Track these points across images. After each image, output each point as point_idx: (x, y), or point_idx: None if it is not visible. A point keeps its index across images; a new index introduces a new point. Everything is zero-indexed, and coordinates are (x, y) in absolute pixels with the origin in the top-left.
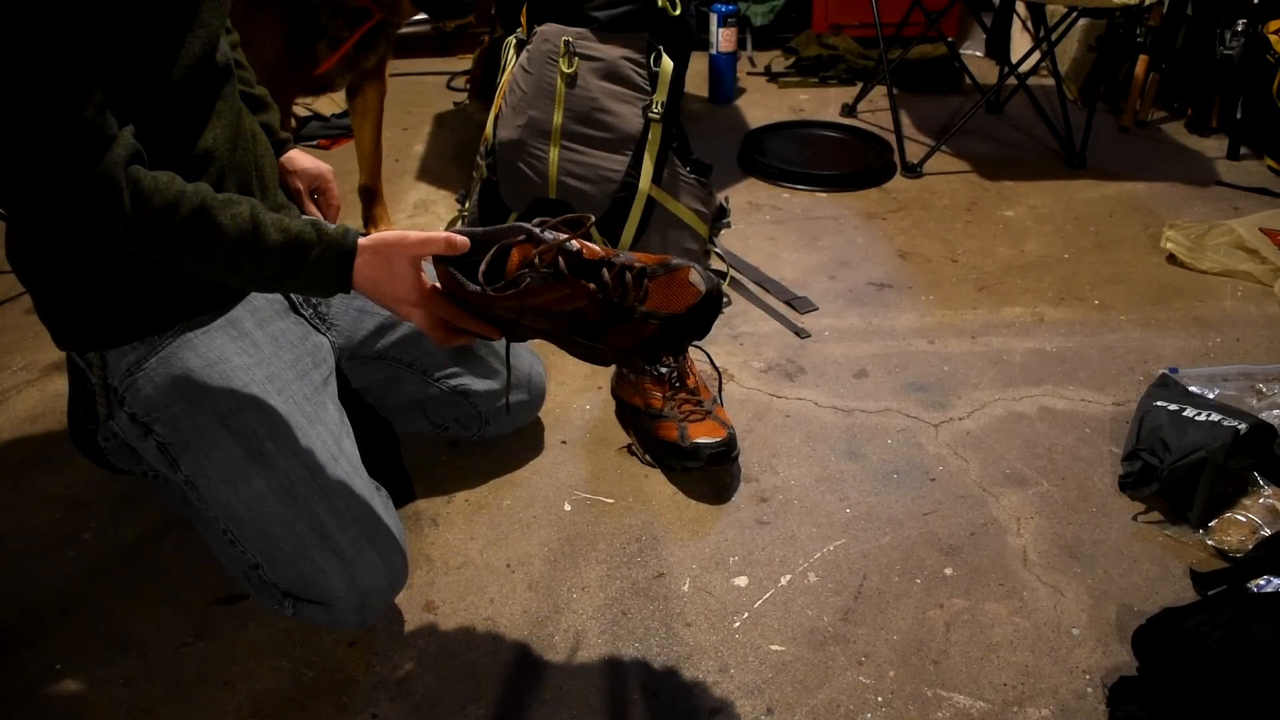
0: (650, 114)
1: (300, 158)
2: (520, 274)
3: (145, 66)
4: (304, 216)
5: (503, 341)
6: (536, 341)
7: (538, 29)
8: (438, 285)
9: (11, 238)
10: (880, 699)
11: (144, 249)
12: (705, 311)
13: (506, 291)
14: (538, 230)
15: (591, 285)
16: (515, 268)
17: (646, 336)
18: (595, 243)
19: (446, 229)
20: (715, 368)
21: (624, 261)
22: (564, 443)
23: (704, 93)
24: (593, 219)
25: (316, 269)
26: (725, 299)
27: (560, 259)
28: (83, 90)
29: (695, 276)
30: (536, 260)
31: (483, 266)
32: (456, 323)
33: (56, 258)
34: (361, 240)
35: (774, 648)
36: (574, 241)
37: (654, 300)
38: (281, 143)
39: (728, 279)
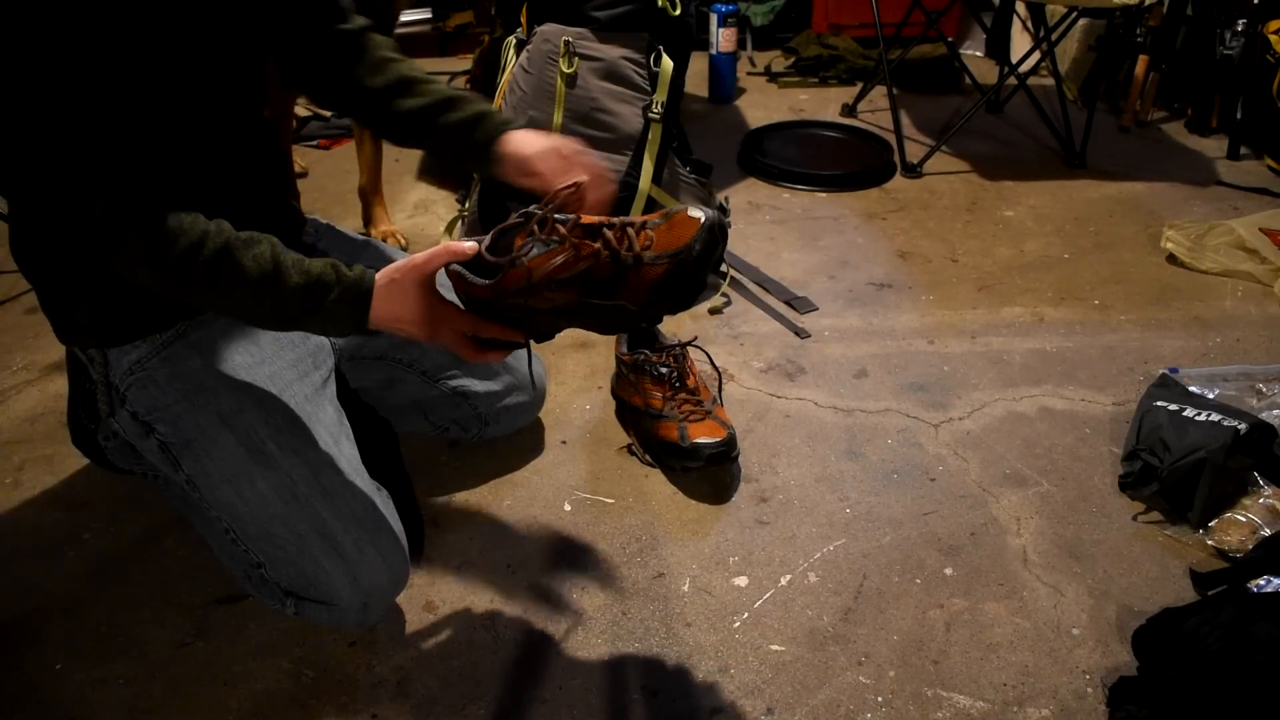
0: (650, 114)
1: (529, 140)
2: (524, 244)
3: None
4: (322, 258)
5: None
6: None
7: (538, 29)
8: (456, 302)
9: (16, 233)
10: (880, 699)
11: (165, 288)
12: (709, 238)
13: (514, 264)
14: (534, 210)
15: (596, 243)
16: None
17: (658, 279)
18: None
19: (446, 229)
20: (715, 368)
21: (624, 220)
22: (564, 443)
23: (704, 93)
24: (584, 179)
25: (334, 310)
26: (728, 220)
27: (558, 225)
28: (114, 130)
29: (694, 211)
30: (536, 229)
31: (485, 243)
32: (479, 333)
33: (61, 255)
34: (376, 276)
35: (774, 648)
36: (571, 212)
37: (659, 244)
38: (490, 131)
39: (728, 279)
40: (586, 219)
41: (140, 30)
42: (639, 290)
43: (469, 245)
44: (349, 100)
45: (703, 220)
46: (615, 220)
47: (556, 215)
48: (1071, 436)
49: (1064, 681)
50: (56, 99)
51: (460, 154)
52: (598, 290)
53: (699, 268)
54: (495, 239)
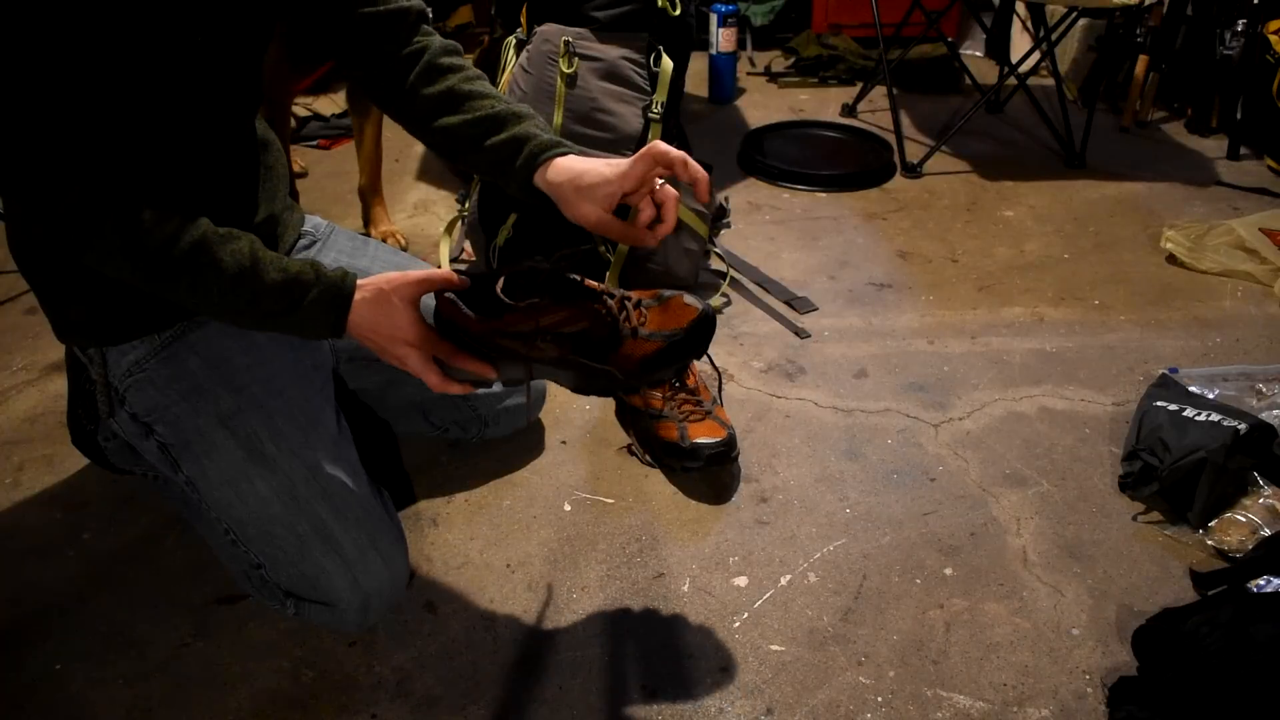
0: (650, 114)
1: (582, 169)
2: (534, 292)
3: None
4: (303, 258)
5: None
6: None
7: (538, 29)
8: (432, 325)
9: (14, 232)
10: (880, 699)
11: (140, 281)
12: (703, 328)
13: (522, 308)
14: (540, 263)
15: (598, 307)
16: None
17: (649, 354)
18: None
19: (446, 230)
20: (715, 368)
21: (621, 293)
22: (564, 443)
23: (704, 93)
24: (590, 246)
25: (312, 310)
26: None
27: (566, 283)
28: (93, 120)
29: (690, 299)
30: (549, 282)
31: (499, 285)
32: (451, 361)
33: (53, 251)
34: (359, 281)
35: (774, 648)
36: (573, 276)
37: (653, 323)
38: (534, 154)
39: (728, 279)
40: (589, 284)
41: (128, 19)
42: (629, 360)
43: (462, 278)
44: (399, 107)
45: (700, 308)
46: (615, 291)
47: (564, 273)
48: (1071, 436)
49: (1064, 681)
50: (35, 84)
51: (503, 182)
52: (589, 351)
53: (689, 352)
54: (503, 280)
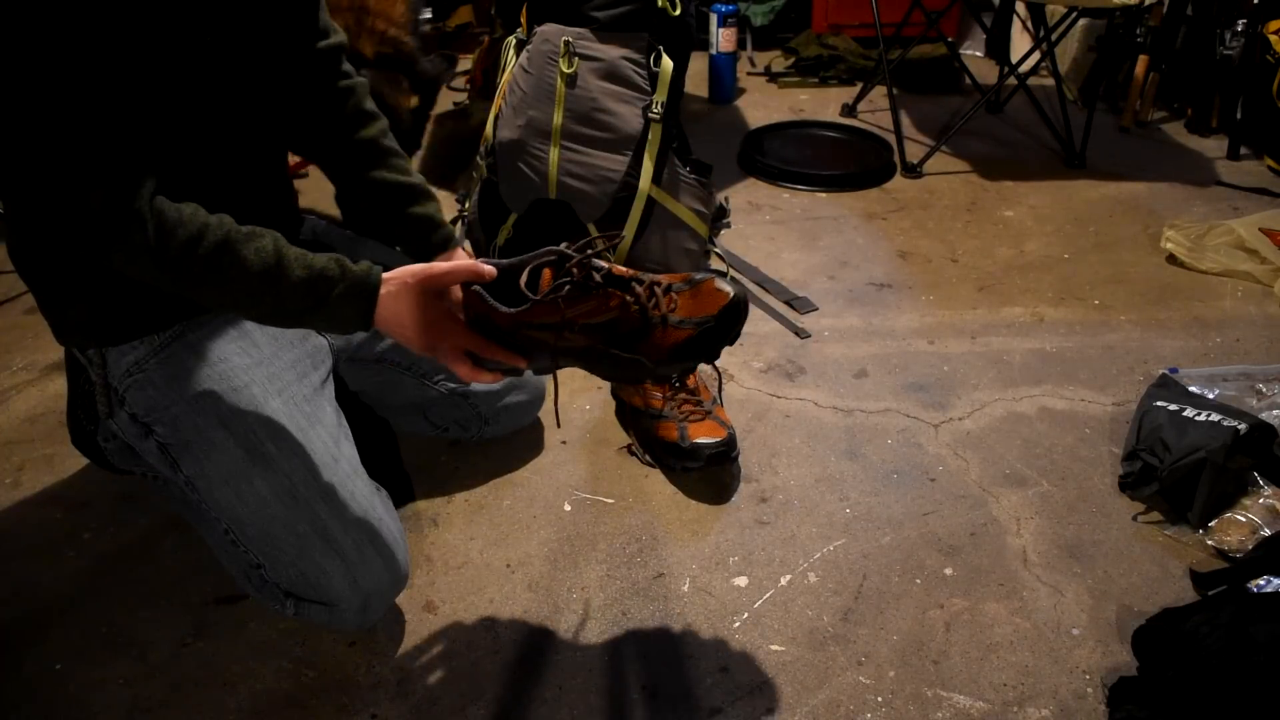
0: (650, 114)
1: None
2: (560, 283)
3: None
4: (327, 253)
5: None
6: None
7: (538, 29)
8: (461, 316)
9: (13, 235)
10: (880, 699)
11: (165, 281)
12: (735, 314)
13: (547, 300)
14: (566, 250)
15: (626, 296)
16: (548, 285)
17: (680, 342)
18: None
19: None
20: (715, 368)
21: (651, 278)
22: (564, 443)
23: (704, 93)
24: (623, 236)
25: (338, 306)
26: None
27: (593, 271)
28: (115, 122)
29: (721, 284)
30: (575, 271)
31: (523, 278)
32: (482, 353)
33: (57, 254)
34: (385, 274)
35: (774, 648)
36: (602, 261)
37: (684, 309)
38: (445, 239)
39: (728, 279)
40: (617, 270)
41: (143, 24)
42: (659, 349)
43: (489, 268)
44: (324, 144)
45: (731, 294)
46: (644, 277)
47: (594, 260)
48: (1071, 436)
49: (1064, 681)
50: (61, 89)
51: (409, 246)
52: (618, 341)
53: (720, 339)
54: (528, 271)
